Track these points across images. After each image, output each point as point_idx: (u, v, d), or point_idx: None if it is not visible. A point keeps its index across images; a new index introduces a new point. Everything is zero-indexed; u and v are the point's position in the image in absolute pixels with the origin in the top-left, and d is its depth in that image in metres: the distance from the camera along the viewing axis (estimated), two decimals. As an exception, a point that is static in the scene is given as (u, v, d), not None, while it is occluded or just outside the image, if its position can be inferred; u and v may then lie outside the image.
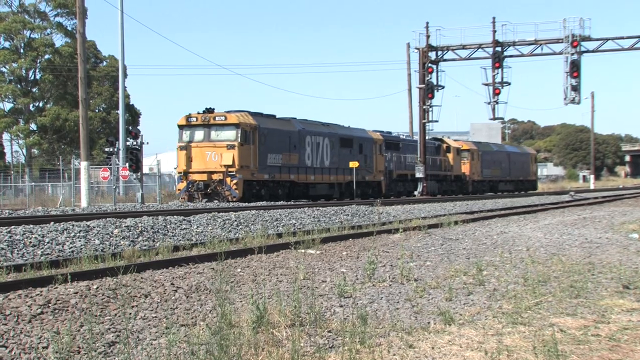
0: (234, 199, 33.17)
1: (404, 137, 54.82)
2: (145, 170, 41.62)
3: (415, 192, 49.21)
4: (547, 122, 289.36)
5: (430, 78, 51.12)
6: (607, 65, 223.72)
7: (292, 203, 33.15)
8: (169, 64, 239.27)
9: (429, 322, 8.44)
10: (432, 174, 53.56)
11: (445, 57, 51.92)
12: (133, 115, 70.01)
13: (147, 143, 41.24)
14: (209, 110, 34.43)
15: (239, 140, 33.70)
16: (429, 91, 51.08)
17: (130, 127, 42.42)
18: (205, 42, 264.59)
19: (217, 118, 34.09)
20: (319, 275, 12.27)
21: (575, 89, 47.60)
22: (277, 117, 38.65)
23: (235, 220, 21.63)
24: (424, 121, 51.17)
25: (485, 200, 45.69)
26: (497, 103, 49.92)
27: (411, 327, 8.13)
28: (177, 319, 8.68)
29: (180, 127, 34.88)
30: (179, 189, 35.03)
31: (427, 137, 52.74)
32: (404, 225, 21.05)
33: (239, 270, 12.84)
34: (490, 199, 46.94)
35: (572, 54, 47.50)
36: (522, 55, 50.42)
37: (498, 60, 49.41)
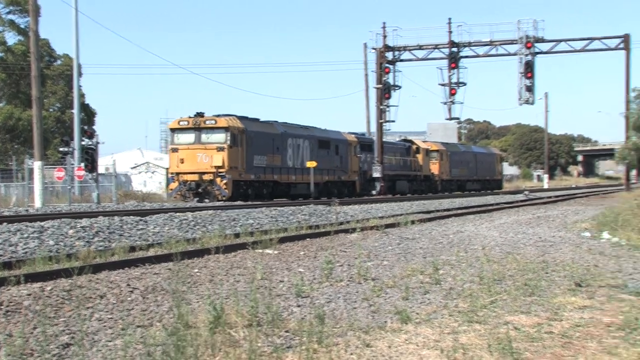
0: (224, 198, 35.23)
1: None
2: (101, 170, 41.07)
3: (373, 192, 49.40)
4: (503, 122, 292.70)
5: (387, 78, 51.38)
6: (561, 67, 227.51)
7: (250, 203, 33.19)
8: (125, 63, 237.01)
9: (386, 321, 8.48)
10: (403, 174, 56.07)
11: (402, 57, 52.24)
12: (88, 114, 69.09)
13: (103, 143, 41.00)
14: (200, 115, 36.41)
15: (228, 142, 35.81)
16: (385, 91, 51.36)
17: (85, 127, 41.89)
18: (163, 41, 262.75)
19: (207, 122, 36.11)
20: (276, 275, 12.25)
21: (530, 89, 48.27)
22: (260, 120, 40.61)
23: (193, 221, 21.50)
24: (381, 121, 51.43)
25: (443, 199, 46.07)
26: (453, 103, 50.43)
27: (368, 326, 8.17)
28: (133, 320, 8.59)
29: (172, 130, 37.19)
30: (170, 189, 37.38)
31: (384, 137, 53.01)
32: (361, 225, 21.12)
33: (196, 270, 12.77)
34: (447, 199, 47.35)
35: (526, 55, 48.16)
36: (478, 55, 50.98)
37: (454, 61, 49.91)
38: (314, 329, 7.58)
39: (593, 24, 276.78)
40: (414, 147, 59.99)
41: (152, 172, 60.54)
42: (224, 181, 35.46)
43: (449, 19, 50.97)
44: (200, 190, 35.70)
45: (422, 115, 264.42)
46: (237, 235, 18.89)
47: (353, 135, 50.26)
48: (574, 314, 8.86)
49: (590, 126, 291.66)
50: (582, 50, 49.14)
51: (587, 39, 48.93)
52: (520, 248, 16.52)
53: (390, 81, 51.54)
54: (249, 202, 34.40)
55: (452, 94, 50.15)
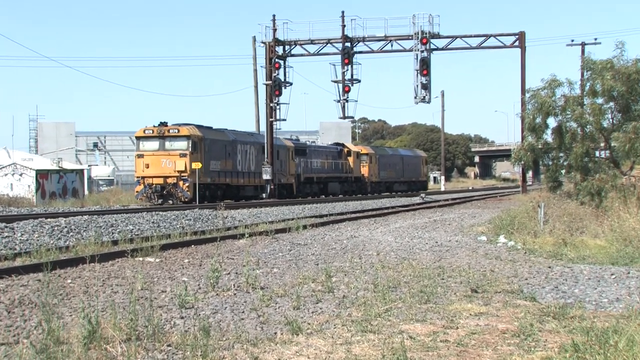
0: (186, 199, 41.08)
1: (310, 142, 64.35)
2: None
3: (263, 195, 49.36)
4: (398, 121, 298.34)
5: (278, 74, 51.32)
6: (457, 65, 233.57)
7: (131, 208, 32.75)
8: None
9: (275, 333, 8.51)
10: (334, 176, 62.53)
11: (293, 52, 52.34)
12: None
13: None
14: (164, 124, 42.57)
15: (190, 149, 41.84)
16: (276, 88, 51.32)
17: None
18: (32, 32, 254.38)
19: (170, 130, 42.22)
20: (158, 285, 12.11)
21: (426, 87, 49.18)
22: (213, 128, 46.92)
23: (66, 227, 20.97)
24: (271, 120, 51.28)
25: (334, 203, 46.58)
26: (347, 101, 50.75)
27: (257, 338, 8.17)
28: (-2, 338, 8.30)
29: (138, 138, 43.12)
30: (137, 191, 42.73)
31: (275, 136, 52.98)
32: (250, 230, 21.13)
33: (69, 281, 12.46)
34: (342, 202, 47.87)
35: (422, 52, 49.04)
36: (372, 51, 51.64)
37: (347, 57, 50.31)
38: (199, 342, 7.53)
39: (490, 22, 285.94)
40: (346, 150, 65.69)
41: (20, 175, 58.55)
42: (186, 184, 41.37)
43: (342, 12, 51.37)
44: (164, 192, 41.44)
45: (314, 114, 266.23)
46: (115, 243, 18.56)
47: (289, 141, 57.17)
48: (469, 321, 9.12)
49: (487, 126, 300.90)
50: (478, 47, 50.51)
51: (483, 35, 50.25)
52: (416, 253, 16.89)
53: (281, 77, 51.50)
54: (129, 207, 34.50)
55: (346, 92, 50.51)
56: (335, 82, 50.91)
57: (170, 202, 40.79)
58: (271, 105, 51.47)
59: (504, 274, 13.34)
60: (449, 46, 50.61)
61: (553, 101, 27.21)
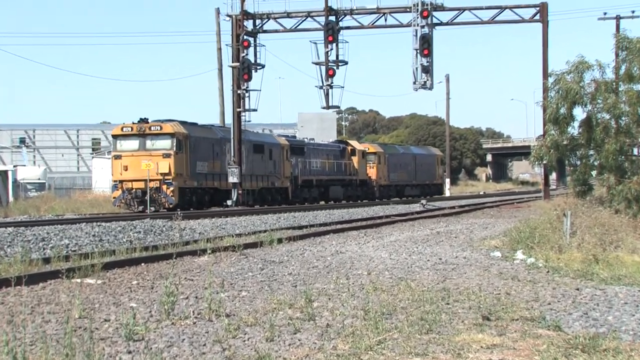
0: (170, 206, 42.62)
1: (308, 140, 65.04)
2: None
3: (228, 202, 49.24)
4: (394, 112, 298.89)
5: (247, 54, 51.16)
6: (466, 44, 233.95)
7: (66, 218, 32.63)
8: None
9: (244, 370, 8.49)
10: (337, 179, 64.71)
11: (265, 27, 52.20)
12: None
13: None
14: (144, 120, 44.17)
15: (174, 149, 43.59)
16: (244, 71, 51.09)
17: None
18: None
19: (152, 128, 43.90)
20: (100, 313, 12.06)
21: (427, 70, 49.13)
22: (199, 124, 49.47)
23: (-15, 241, 20.86)
24: (238, 110, 51.08)
25: (317, 210, 46.60)
26: (331, 87, 50.70)
27: (221, 377, 8.16)
28: None
29: (115, 136, 45.04)
30: (114, 197, 44.61)
31: (243, 128, 52.84)
32: (213, 245, 21.08)
33: (-10, 308, 12.39)
34: (322, 210, 47.88)
35: (422, 27, 48.93)
36: (362, 26, 51.55)
37: (332, 33, 50.12)
38: (150, 382, 7.51)
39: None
40: (349, 148, 68.16)
41: None
42: (171, 188, 43.04)
43: (326, -22, 51.26)
44: (146, 198, 42.68)
45: (292, 104, 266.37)
46: (46, 261, 18.47)
47: (284, 138, 58.86)
48: (480, 354, 9.14)
49: (502, 118, 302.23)
50: (491, 21, 50.50)
51: (497, 7, 49.95)
52: (415, 273, 16.91)
53: (251, 58, 51.34)
54: (64, 218, 34.79)
55: (330, 76, 50.44)
56: (316, 64, 50.88)
57: (153, 209, 42.29)
58: (239, 92, 51.33)
59: (522, 297, 13.38)
60: (455, 20, 50.64)
61: (581, 87, 27.36)
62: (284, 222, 34.51)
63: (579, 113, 27.85)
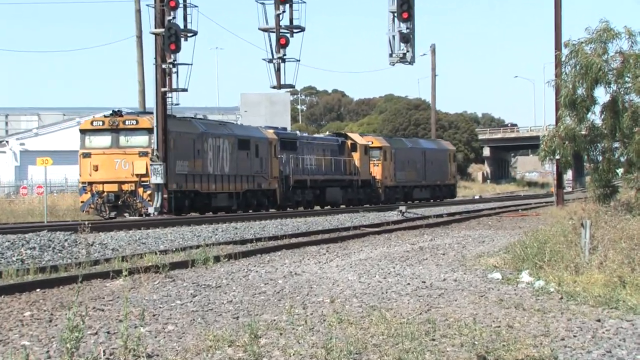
0: (147, 211, 45.52)
1: (301, 134, 69.72)
2: None
3: (150, 209, 48.94)
4: (364, 93, 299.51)
5: (174, 18, 50.76)
6: (456, 6, 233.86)
7: None
8: None
9: None
10: (335, 179, 67.47)
11: (198, -18, 52.08)
12: None
13: None
14: (118, 114, 47.65)
15: (152, 146, 46.55)
16: (171, 39, 50.63)
17: None
18: None
19: (127, 122, 47.43)
20: (-19, 354, 11.99)
21: (407, 39, 49.04)
22: (177, 117, 52.56)
23: None
24: (163, 89, 50.64)
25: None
26: (283, 61, 50.45)
27: None
28: None
29: (83, 132, 48.31)
30: (82, 201, 47.43)
31: (172, 113, 52.54)
32: (130, 265, 21.04)
33: None
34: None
35: (402, -17, 49.03)
36: (324, -17, 51.68)
37: (284, -9, 50.07)
38: None
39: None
40: (349, 142, 71.01)
41: None
42: (148, 192, 46.04)
43: None
44: (120, 202, 46.12)
45: (233, 82, 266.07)
46: None
47: (272, 131, 61.65)
48: (475, 405, 9.18)
49: (503, 102, 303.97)
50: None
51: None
52: (391, 300, 16.96)
53: (180, 22, 51.05)
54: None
55: (282, 46, 50.20)
56: (264, 30, 50.67)
57: (127, 215, 45.74)
58: (163, 66, 50.82)
59: (528, 331, 13.45)
60: (443, -25, 50.82)
61: (604, 61, 27.51)
62: (223, 235, 34.46)
63: (602, 94, 28.02)
